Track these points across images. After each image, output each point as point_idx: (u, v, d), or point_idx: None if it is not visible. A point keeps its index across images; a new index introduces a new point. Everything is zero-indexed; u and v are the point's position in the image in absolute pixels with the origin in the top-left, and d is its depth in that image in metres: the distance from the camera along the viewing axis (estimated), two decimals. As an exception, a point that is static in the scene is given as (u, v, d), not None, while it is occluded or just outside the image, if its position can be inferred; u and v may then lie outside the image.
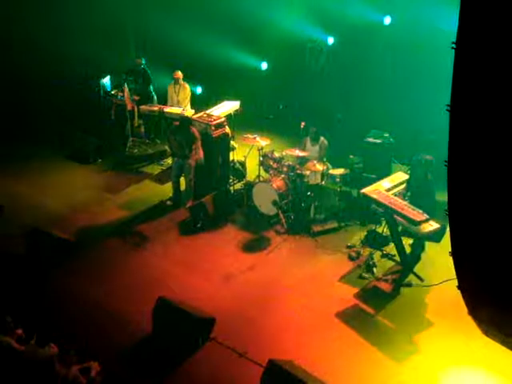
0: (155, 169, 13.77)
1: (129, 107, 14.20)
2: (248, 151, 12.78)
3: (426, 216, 9.56)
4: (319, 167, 11.47)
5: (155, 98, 14.80)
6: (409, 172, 11.28)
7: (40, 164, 13.69)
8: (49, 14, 15.94)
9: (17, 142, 14.38)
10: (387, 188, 10.51)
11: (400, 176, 10.98)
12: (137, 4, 16.15)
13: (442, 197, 5.95)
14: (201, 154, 11.88)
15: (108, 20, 16.01)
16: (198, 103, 14.23)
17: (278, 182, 11.53)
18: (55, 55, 15.71)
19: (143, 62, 14.70)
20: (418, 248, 10.45)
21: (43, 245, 10.20)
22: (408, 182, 10.61)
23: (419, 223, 9.53)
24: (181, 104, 13.83)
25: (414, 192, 10.31)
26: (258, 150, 12.09)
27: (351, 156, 12.70)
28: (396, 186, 10.65)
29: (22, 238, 10.37)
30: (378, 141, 12.51)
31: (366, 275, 10.10)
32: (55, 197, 12.34)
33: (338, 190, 11.94)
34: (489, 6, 4.25)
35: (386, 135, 12.58)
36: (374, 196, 10.24)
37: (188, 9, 16.16)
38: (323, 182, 11.77)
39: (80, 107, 14.91)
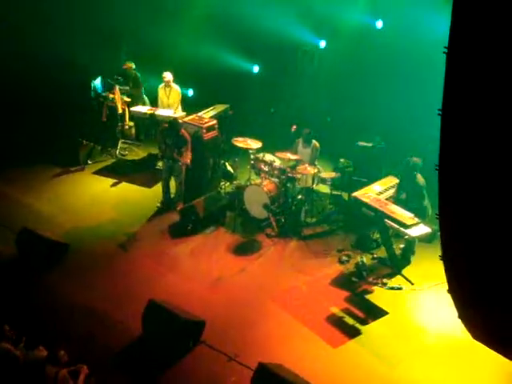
0: (146, 171, 13.71)
1: (120, 109, 14.15)
2: (239, 154, 12.79)
3: (416, 220, 9.60)
4: (310, 170, 11.48)
5: (147, 100, 14.76)
6: (399, 176, 11.31)
7: (30, 167, 13.59)
8: (36, 15, 15.88)
9: (3, 144, 14.27)
10: (378, 192, 10.55)
11: (391, 180, 11.02)
12: (127, 6, 16.10)
13: (434, 200, 5.96)
14: (189, 156, 11.85)
15: (98, 22, 15.95)
16: (190, 106, 14.20)
17: (269, 186, 11.53)
18: (45, 57, 15.66)
19: (133, 65, 14.64)
20: (409, 251, 10.49)
21: (34, 247, 10.15)
22: (399, 185, 10.63)
23: (410, 227, 9.55)
24: (171, 107, 13.79)
25: (407, 195, 10.34)
26: (249, 152, 12.09)
27: (342, 159, 12.72)
28: (387, 190, 10.69)
29: (13, 241, 10.32)
30: (369, 144, 12.53)
31: (357, 279, 10.11)
32: (46, 199, 12.29)
33: (329, 193, 11.96)
34: (481, 10, 4.26)
35: (377, 139, 12.60)
36: (365, 200, 10.27)
37: (179, 11, 16.15)
38: (314, 186, 11.78)
39: (70, 109, 14.83)
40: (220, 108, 13.73)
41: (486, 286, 5.24)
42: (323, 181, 11.84)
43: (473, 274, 5.30)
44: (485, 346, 6.14)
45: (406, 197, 10.35)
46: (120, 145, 14.40)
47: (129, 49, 16.28)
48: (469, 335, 6.04)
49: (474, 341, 6.11)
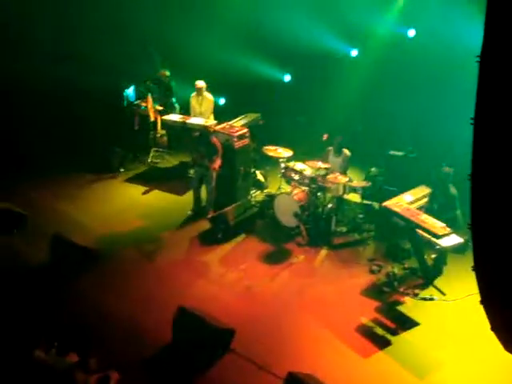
0: (177, 179, 13.78)
1: (152, 117, 14.28)
2: (270, 162, 12.81)
3: (448, 230, 9.50)
4: (341, 179, 11.43)
5: (178, 108, 14.87)
6: (431, 185, 11.22)
7: (63, 174, 13.78)
8: (67, 21, 16.14)
9: (37, 152, 14.49)
10: (409, 201, 10.46)
11: (422, 189, 10.92)
12: (161, 15, 16.27)
13: (466, 210, 5.90)
14: (218, 163, 11.88)
15: (131, 32, 16.14)
16: (221, 114, 14.26)
17: (300, 194, 11.52)
18: (79, 65, 15.87)
19: (168, 73, 14.76)
20: (440, 262, 10.37)
21: (67, 253, 10.27)
22: (432, 195, 10.52)
23: (441, 237, 9.46)
24: (203, 115, 13.84)
25: (439, 205, 10.25)
26: (280, 161, 12.10)
27: (373, 168, 12.66)
28: (418, 200, 10.60)
29: (45, 247, 10.45)
30: (401, 153, 12.45)
31: (387, 289, 10.03)
32: (78, 206, 12.45)
33: (360, 202, 11.90)
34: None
35: (409, 148, 12.53)
36: (396, 209, 10.20)
37: (213, 21, 16.25)
38: (345, 195, 11.73)
39: (104, 117, 15.01)
40: (251, 117, 13.76)
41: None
42: (354, 190, 11.78)
43: (506, 284, 5.24)
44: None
45: (438, 207, 10.26)
46: (152, 153, 14.52)
47: (162, 58, 16.38)
48: (501, 347, 5.96)
49: (507, 353, 6.03)
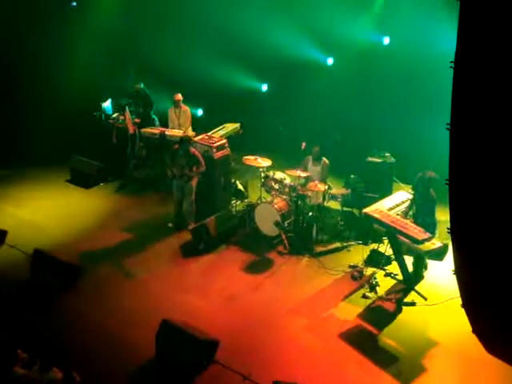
0: (156, 191, 13.75)
1: (130, 130, 14.23)
2: (249, 172, 12.83)
3: (428, 234, 9.56)
4: (321, 187, 11.48)
5: (156, 120, 14.84)
6: (411, 191, 11.29)
7: (42, 188, 13.72)
8: (47, 37, 16.07)
9: (18, 166, 14.44)
10: (389, 207, 10.52)
11: (402, 195, 11.00)
12: (135, 27, 16.25)
13: (446, 215, 5.93)
14: (200, 170, 11.88)
15: (107, 43, 16.10)
16: (199, 126, 14.27)
17: (280, 203, 11.55)
18: (56, 78, 15.82)
19: (142, 86, 14.74)
20: (421, 267, 10.44)
21: (47, 269, 10.18)
22: (412, 200, 10.57)
23: (422, 242, 9.52)
24: (182, 127, 13.85)
25: (417, 210, 10.30)
26: (260, 171, 12.12)
27: (352, 176, 12.72)
28: (398, 205, 10.66)
29: (26, 263, 10.37)
30: (379, 160, 12.52)
31: (370, 295, 10.07)
32: (58, 221, 12.35)
33: (340, 210, 11.95)
34: (486, 25, 4.29)
35: (387, 154, 12.60)
36: (376, 215, 10.25)
37: (188, 32, 16.26)
38: (325, 203, 11.78)
39: (81, 131, 14.94)
40: (230, 127, 13.78)
41: (500, 300, 5.22)
42: (334, 197, 11.83)
43: (486, 287, 5.29)
44: (499, 360, 6.11)
45: (416, 212, 10.32)
46: (131, 166, 14.46)
47: (137, 70, 16.36)
48: (483, 349, 6.01)
49: (488, 355, 6.08)
